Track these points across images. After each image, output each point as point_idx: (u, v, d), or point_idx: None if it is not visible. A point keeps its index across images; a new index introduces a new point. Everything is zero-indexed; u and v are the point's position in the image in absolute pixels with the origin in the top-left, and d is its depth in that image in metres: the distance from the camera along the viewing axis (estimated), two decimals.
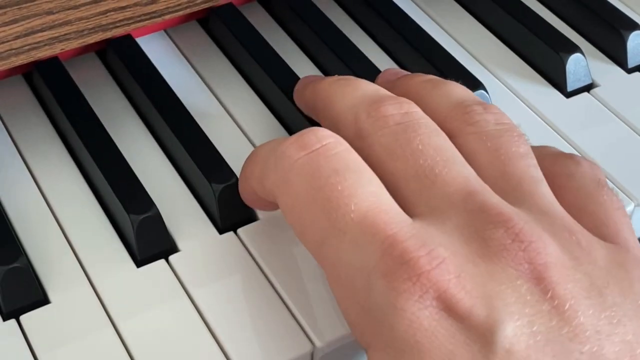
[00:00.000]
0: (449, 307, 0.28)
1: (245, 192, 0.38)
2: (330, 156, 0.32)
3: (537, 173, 0.34)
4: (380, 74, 0.42)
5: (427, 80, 0.38)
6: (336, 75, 0.39)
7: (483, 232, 0.30)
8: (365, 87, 0.36)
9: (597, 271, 0.30)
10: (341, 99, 0.36)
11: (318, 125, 0.40)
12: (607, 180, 0.35)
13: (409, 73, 0.41)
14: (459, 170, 0.32)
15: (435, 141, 0.33)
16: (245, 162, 0.37)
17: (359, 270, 0.30)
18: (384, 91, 0.36)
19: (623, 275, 0.30)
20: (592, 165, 0.35)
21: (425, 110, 0.36)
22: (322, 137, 0.33)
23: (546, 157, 0.36)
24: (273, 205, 0.36)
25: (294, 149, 0.33)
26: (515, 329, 0.28)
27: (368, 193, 0.31)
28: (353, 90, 0.36)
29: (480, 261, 0.29)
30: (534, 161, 0.34)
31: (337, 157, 0.32)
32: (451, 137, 0.35)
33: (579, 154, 0.37)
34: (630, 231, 0.33)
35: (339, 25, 0.48)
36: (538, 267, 0.29)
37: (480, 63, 0.48)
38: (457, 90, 0.37)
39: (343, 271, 0.31)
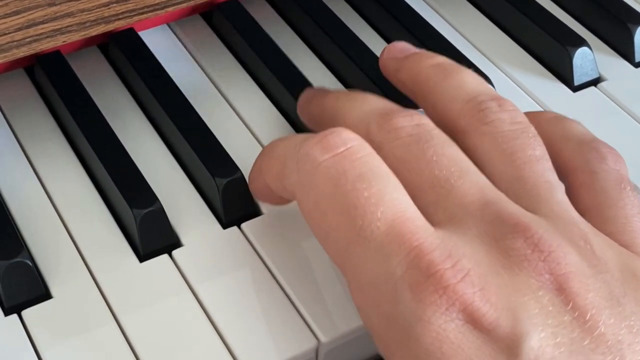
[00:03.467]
0: (474, 320, 0.28)
1: (257, 186, 0.37)
2: (356, 160, 0.32)
3: (553, 177, 0.34)
4: (387, 48, 0.41)
5: (437, 65, 0.38)
6: (341, 90, 0.39)
7: (503, 242, 0.30)
8: (374, 101, 0.36)
9: (614, 280, 0.30)
10: (350, 112, 0.36)
11: None
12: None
13: (417, 50, 0.40)
14: (473, 180, 0.32)
15: (448, 151, 0.33)
16: (261, 156, 0.36)
17: (384, 280, 0.30)
18: (392, 105, 0.36)
19: (636, 284, 0.30)
20: (616, 160, 0.35)
21: (436, 103, 0.36)
22: (347, 140, 0.32)
23: (570, 141, 0.35)
24: (283, 201, 0.36)
25: (318, 150, 0.32)
26: (540, 340, 0.28)
27: (394, 200, 0.31)
28: (362, 105, 0.36)
29: (502, 271, 0.30)
30: (549, 164, 0.34)
31: (362, 161, 0.32)
32: (464, 134, 0.35)
33: (601, 140, 0.36)
34: None
35: (342, 18, 0.48)
36: (559, 277, 0.29)
37: (486, 57, 0.48)
38: (470, 80, 0.37)
39: (366, 279, 0.31)
